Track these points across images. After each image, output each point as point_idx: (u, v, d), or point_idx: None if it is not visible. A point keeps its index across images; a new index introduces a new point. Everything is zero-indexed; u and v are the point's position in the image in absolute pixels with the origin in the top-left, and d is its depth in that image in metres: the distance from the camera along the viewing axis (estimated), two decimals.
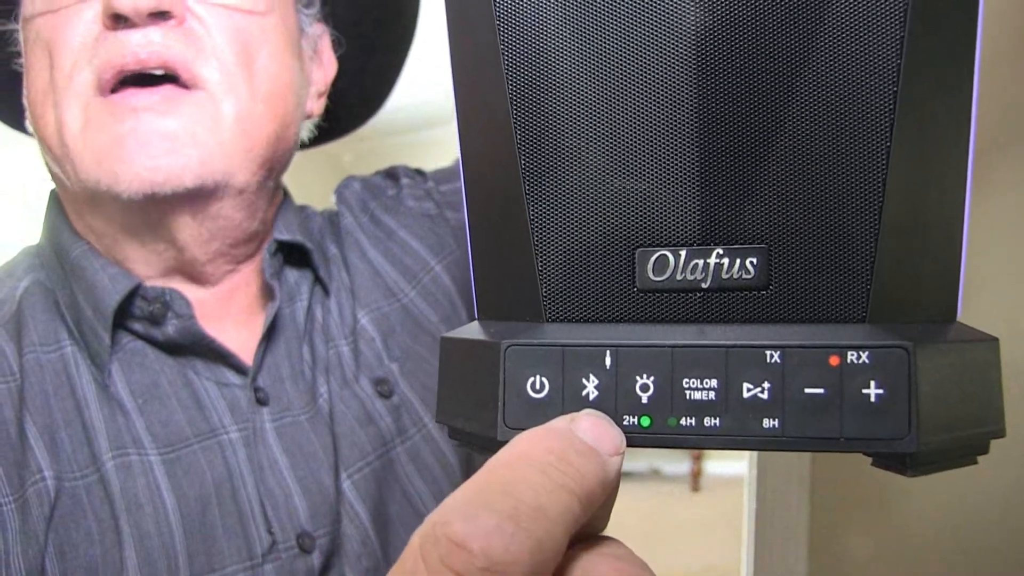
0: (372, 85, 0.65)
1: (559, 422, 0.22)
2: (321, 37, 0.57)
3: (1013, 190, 0.59)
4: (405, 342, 0.56)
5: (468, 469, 0.56)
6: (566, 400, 0.23)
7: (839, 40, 0.22)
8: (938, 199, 0.23)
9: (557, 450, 0.21)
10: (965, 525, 0.64)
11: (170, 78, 0.45)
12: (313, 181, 0.66)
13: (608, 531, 0.23)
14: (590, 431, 0.22)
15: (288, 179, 0.57)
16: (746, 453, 0.72)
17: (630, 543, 0.22)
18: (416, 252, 0.60)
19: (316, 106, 0.56)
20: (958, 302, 0.24)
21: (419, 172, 0.67)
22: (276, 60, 0.50)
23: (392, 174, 0.66)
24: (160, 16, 0.45)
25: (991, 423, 0.23)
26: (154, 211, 0.46)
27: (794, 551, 0.88)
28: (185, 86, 0.46)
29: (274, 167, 0.51)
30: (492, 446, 0.24)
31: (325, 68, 0.57)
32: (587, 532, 0.23)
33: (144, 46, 0.44)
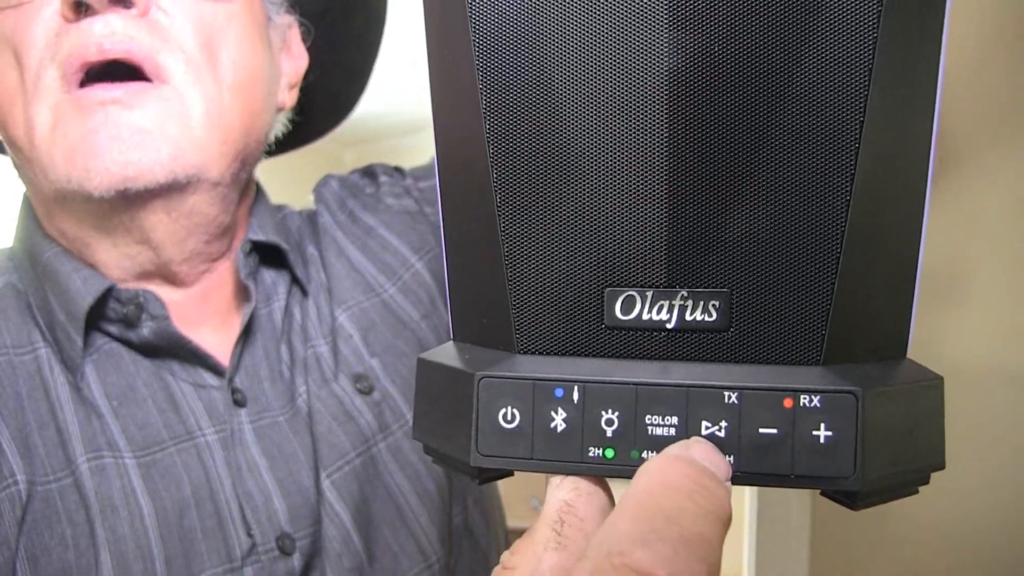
0: (343, 81, 0.64)
1: (675, 449, 0.22)
2: (290, 27, 0.56)
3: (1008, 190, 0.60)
4: (386, 337, 0.56)
5: None
6: (536, 431, 0.24)
7: (806, 97, 0.23)
8: (895, 249, 0.24)
9: (693, 475, 0.21)
10: (965, 527, 0.65)
11: (133, 73, 0.44)
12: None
13: None
14: (706, 457, 0.22)
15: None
16: None
17: None
18: (396, 249, 0.60)
19: (288, 98, 0.56)
20: (908, 341, 0.26)
21: (397, 169, 0.67)
22: (243, 48, 0.49)
23: (370, 172, 0.66)
24: (122, 3, 0.44)
25: (932, 457, 0.24)
26: (126, 210, 0.45)
27: (795, 552, 0.89)
28: (149, 80, 0.45)
29: (247, 159, 0.50)
30: (466, 468, 0.26)
31: (295, 59, 0.56)
32: None
33: (107, 36, 0.43)
